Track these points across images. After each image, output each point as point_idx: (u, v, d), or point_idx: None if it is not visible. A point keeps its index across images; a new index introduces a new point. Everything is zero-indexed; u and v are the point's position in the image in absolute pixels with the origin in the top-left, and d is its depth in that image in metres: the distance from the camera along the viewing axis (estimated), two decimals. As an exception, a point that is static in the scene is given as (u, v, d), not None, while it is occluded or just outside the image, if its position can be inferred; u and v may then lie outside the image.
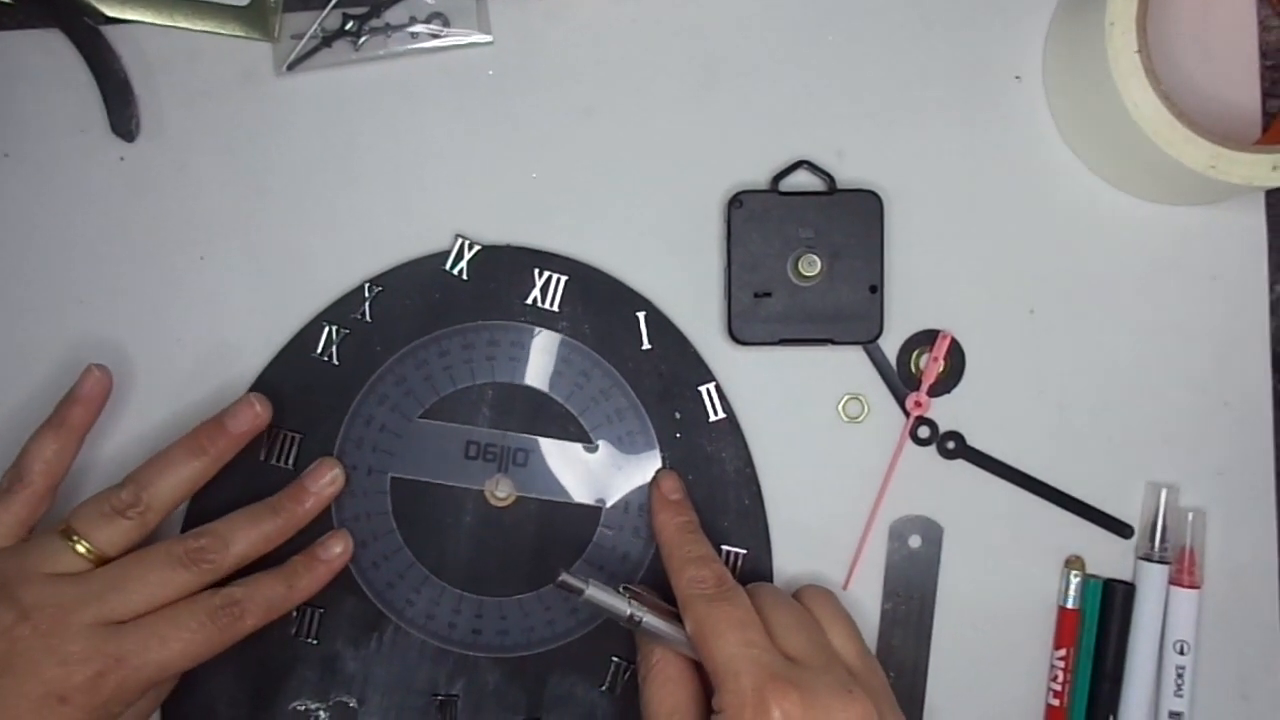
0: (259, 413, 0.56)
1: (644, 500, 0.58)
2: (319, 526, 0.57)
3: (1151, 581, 0.58)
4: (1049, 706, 0.58)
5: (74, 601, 0.51)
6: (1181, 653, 0.57)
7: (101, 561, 0.53)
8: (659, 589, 0.55)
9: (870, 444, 0.59)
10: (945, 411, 0.59)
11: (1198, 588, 0.58)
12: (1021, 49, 0.59)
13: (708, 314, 0.59)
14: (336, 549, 0.57)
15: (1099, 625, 0.58)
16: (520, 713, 0.58)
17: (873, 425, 0.59)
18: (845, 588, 0.59)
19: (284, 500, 0.56)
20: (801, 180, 0.59)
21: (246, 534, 0.55)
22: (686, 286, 0.59)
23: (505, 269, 0.59)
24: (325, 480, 0.57)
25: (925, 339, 0.59)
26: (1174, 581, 0.58)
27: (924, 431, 0.59)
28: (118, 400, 0.59)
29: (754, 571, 0.58)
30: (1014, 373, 0.59)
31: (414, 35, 0.59)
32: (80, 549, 0.53)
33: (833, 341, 0.58)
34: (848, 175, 0.59)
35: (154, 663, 0.51)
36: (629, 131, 0.59)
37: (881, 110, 0.59)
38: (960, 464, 0.59)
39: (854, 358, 0.59)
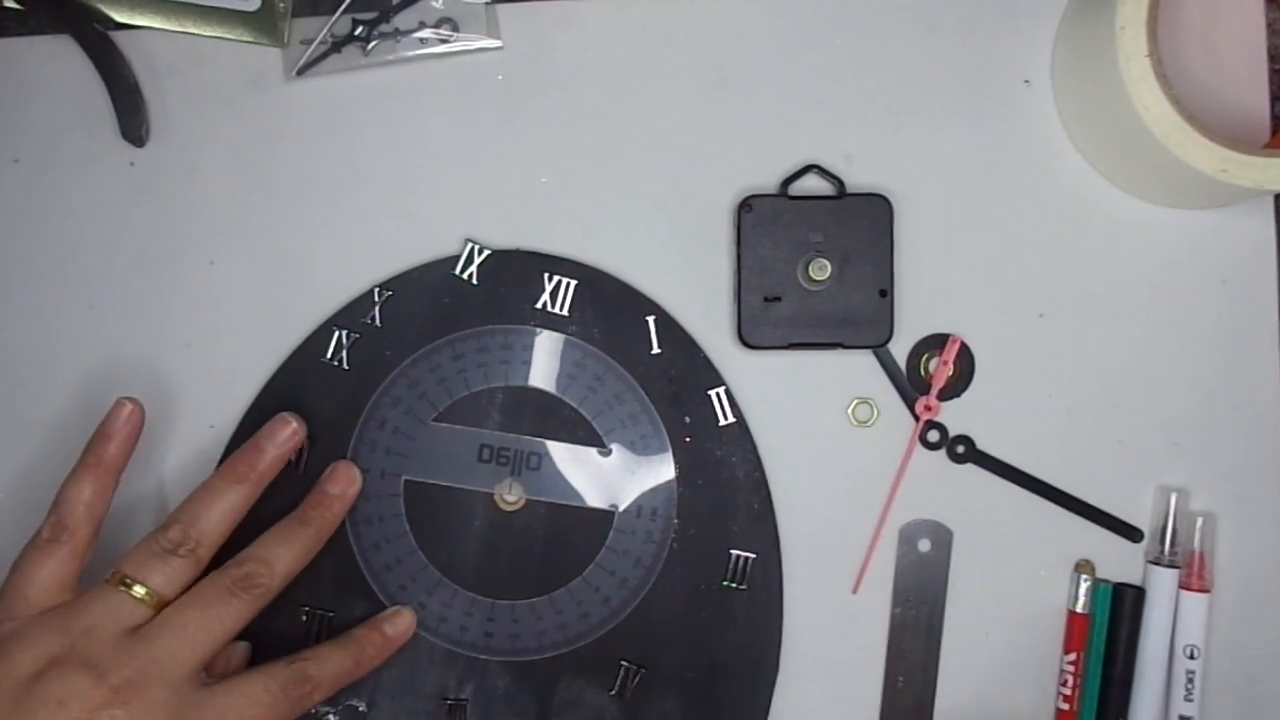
0: (295, 430, 0.56)
1: (656, 505, 0.58)
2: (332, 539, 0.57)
3: (1161, 585, 0.58)
4: (1059, 711, 0.58)
5: (150, 663, 0.50)
6: (1192, 657, 0.57)
7: (161, 604, 0.52)
8: (668, 595, 0.55)
9: (880, 448, 0.59)
10: (955, 415, 0.59)
11: (1208, 592, 0.58)
12: (1030, 53, 0.59)
13: (717, 318, 0.59)
14: (402, 625, 0.57)
15: (1109, 629, 0.58)
16: (529, 717, 0.58)
17: (882, 429, 0.59)
18: (855, 592, 0.59)
19: (309, 511, 0.56)
20: (811, 184, 0.59)
21: (287, 550, 0.54)
22: (696, 291, 0.59)
23: (515, 273, 0.59)
24: (345, 483, 0.57)
25: (935, 343, 0.59)
26: (1184, 585, 0.58)
27: (934, 435, 0.59)
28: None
29: (764, 575, 0.58)
30: (1024, 376, 0.59)
31: (423, 40, 0.59)
32: (138, 594, 0.52)
33: (842, 346, 0.58)
34: (857, 179, 0.59)
35: None
36: (638, 136, 0.59)
37: (890, 114, 0.59)
38: (970, 468, 0.59)
39: (864, 362, 0.59)
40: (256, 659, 0.56)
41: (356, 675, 0.56)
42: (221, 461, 0.59)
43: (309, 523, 0.55)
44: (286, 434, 0.56)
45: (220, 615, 0.52)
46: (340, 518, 0.57)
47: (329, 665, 0.54)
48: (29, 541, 0.53)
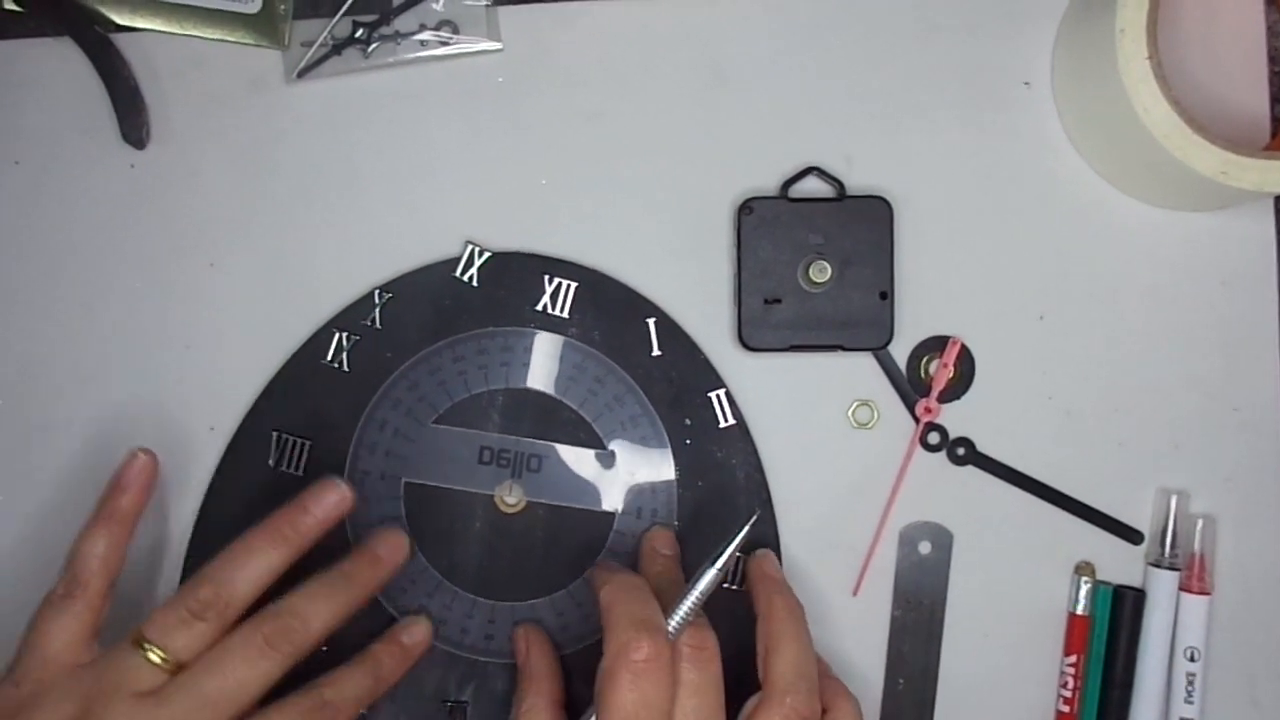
0: (345, 496, 0.54)
1: (657, 506, 0.58)
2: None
3: (1162, 588, 0.58)
4: (1059, 713, 0.58)
5: None
6: (1192, 659, 0.57)
7: (178, 668, 0.50)
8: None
9: (880, 450, 0.59)
10: (955, 417, 0.59)
11: (1208, 594, 0.58)
12: (1030, 55, 0.59)
13: (718, 320, 0.59)
14: (419, 634, 0.56)
15: (1109, 631, 0.58)
16: (530, 720, 0.58)
17: (883, 431, 0.59)
18: (855, 594, 0.59)
19: (355, 567, 0.54)
20: (811, 186, 0.59)
21: (326, 606, 0.52)
22: (696, 293, 0.59)
23: (515, 275, 0.59)
24: (395, 549, 0.55)
25: (935, 345, 0.59)
26: (1184, 588, 0.58)
27: (934, 437, 0.59)
28: (122, 408, 0.59)
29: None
30: (1024, 378, 0.59)
31: (423, 43, 0.59)
32: (154, 658, 0.50)
33: (843, 348, 0.58)
34: (857, 181, 0.59)
35: None
36: (638, 138, 0.59)
37: (890, 116, 0.59)
38: (970, 470, 0.59)
39: (864, 364, 0.59)
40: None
41: (378, 693, 0.54)
42: (220, 464, 0.59)
43: (353, 580, 0.53)
44: (334, 499, 0.54)
45: (243, 680, 0.50)
46: (384, 584, 0.55)
47: (348, 687, 0.52)
48: (44, 598, 0.52)
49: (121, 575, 0.53)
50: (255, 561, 0.52)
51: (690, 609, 0.50)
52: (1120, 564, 0.59)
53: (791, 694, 0.50)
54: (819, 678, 0.51)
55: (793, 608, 0.52)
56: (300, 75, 0.59)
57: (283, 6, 0.59)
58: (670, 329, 0.59)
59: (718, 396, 0.59)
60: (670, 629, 0.49)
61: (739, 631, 0.57)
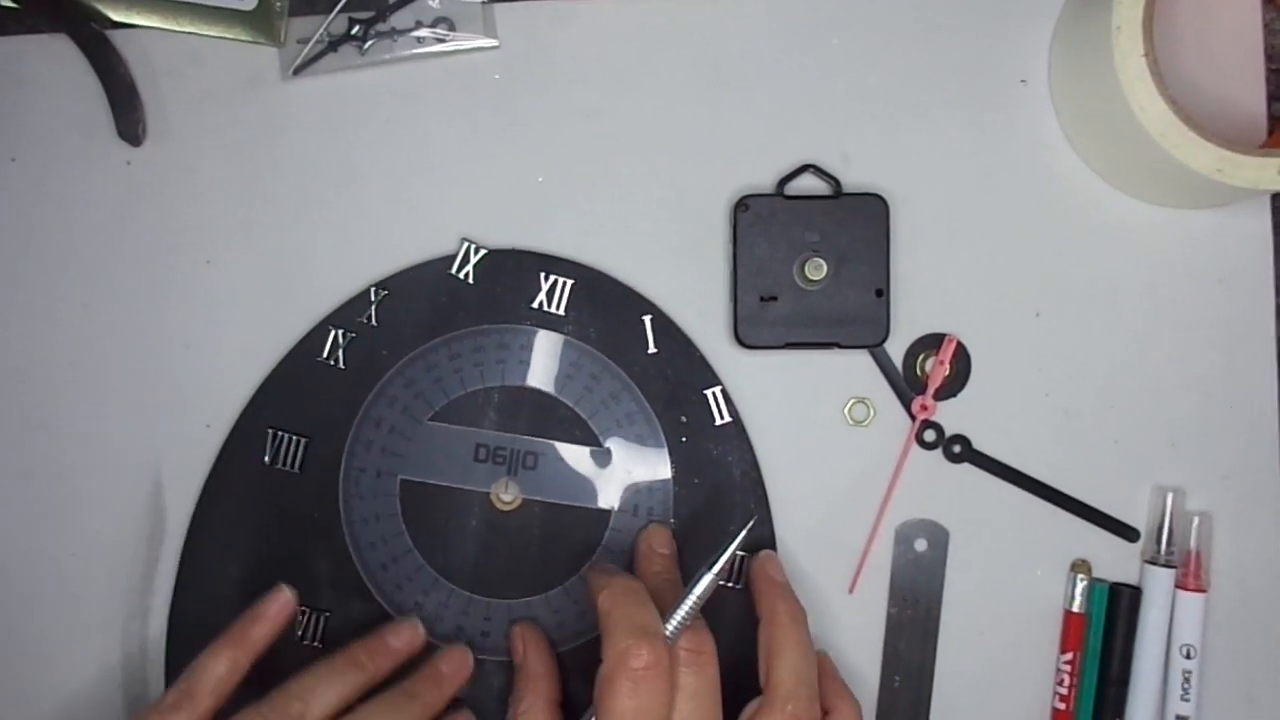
0: (421, 635, 0.57)
1: (653, 504, 0.58)
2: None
3: (1158, 585, 0.58)
4: (1055, 711, 0.58)
5: None
6: (1188, 657, 0.57)
7: None
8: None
9: (876, 448, 0.59)
10: (951, 415, 0.59)
11: (1204, 591, 0.58)
12: (1027, 52, 0.59)
13: (714, 318, 0.59)
14: (457, 662, 0.57)
15: (1105, 629, 0.58)
16: (526, 717, 0.58)
17: (878, 429, 0.59)
18: (851, 592, 0.59)
19: (419, 684, 0.55)
20: (807, 184, 0.59)
21: None
22: (692, 290, 0.59)
23: (511, 273, 0.59)
24: (459, 665, 0.57)
25: (931, 342, 0.59)
26: (1180, 585, 0.58)
27: (930, 435, 0.59)
28: (119, 404, 0.59)
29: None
30: (1020, 376, 0.59)
31: (420, 40, 0.59)
32: None
33: (839, 345, 0.58)
34: (853, 179, 0.59)
35: None
36: (635, 135, 0.59)
37: (887, 114, 0.59)
38: (966, 468, 0.59)
39: (860, 361, 0.59)
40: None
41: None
42: (216, 461, 0.59)
43: (417, 696, 0.54)
44: (411, 635, 0.56)
45: None
46: (448, 700, 0.56)
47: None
48: (151, 704, 0.51)
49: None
50: (333, 682, 0.53)
51: (687, 613, 0.50)
52: (1116, 561, 0.59)
53: (793, 701, 0.50)
54: (821, 678, 0.52)
55: (795, 613, 0.53)
56: (296, 72, 0.59)
57: (279, 3, 0.59)
58: (666, 326, 0.59)
59: (713, 394, 0.59)
60: (668, 633, 0.49)
61: (738, 632, 0.58)
